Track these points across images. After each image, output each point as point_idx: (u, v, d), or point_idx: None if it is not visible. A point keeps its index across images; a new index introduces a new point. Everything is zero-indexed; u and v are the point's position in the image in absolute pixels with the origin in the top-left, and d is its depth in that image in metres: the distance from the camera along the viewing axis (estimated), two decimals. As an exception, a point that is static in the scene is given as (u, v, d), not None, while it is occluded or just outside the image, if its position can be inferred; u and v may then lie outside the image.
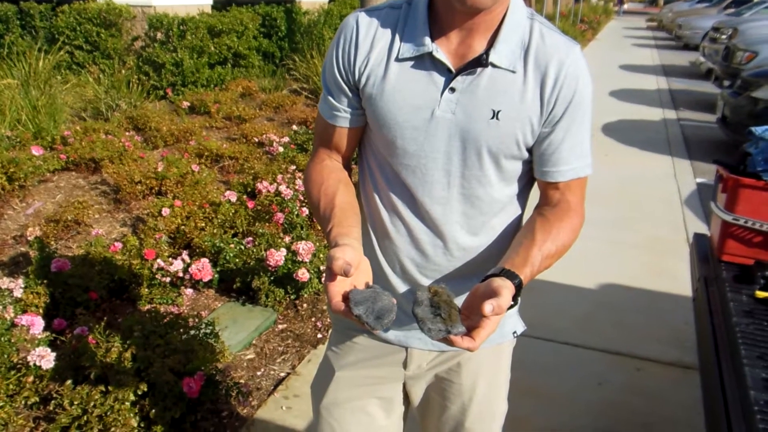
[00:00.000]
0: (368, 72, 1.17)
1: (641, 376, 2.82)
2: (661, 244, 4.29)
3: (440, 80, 1.13)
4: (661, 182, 5.66)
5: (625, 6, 40.28)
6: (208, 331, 2.59)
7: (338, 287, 1.00)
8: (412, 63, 1.14)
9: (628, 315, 3.33)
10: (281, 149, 5.22)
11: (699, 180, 5.72)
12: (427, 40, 1.12)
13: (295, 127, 6.07)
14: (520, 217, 1.29)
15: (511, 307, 0.99)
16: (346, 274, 0.97)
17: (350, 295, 0.98)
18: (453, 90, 1.12)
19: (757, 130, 2.13)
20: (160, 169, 4.33)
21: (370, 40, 1.16)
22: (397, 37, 1.15)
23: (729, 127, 6.44)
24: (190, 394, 2.27)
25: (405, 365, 1.36)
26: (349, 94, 1.21)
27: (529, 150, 1.18)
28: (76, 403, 2.16)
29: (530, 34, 1.13)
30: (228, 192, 3.91)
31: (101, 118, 6.14)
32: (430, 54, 1.12)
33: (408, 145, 1.17)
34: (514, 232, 1.28)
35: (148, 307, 3.07)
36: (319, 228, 1.25)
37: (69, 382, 2.26)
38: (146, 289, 3.08)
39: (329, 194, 1.20)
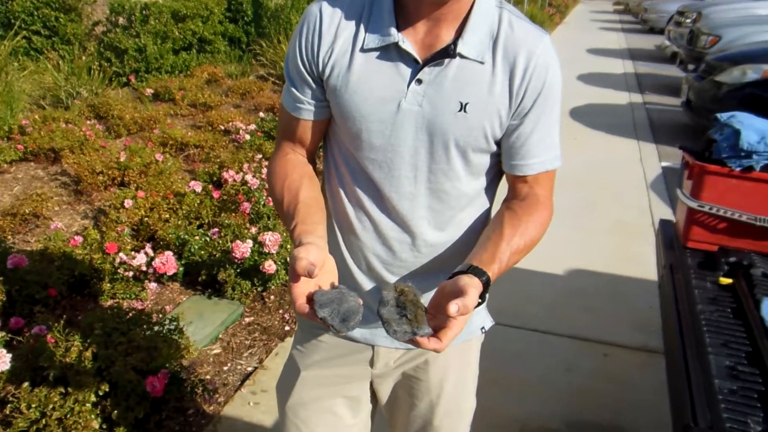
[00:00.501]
0: (332, 63, 1.12)
1: (609, 362, 2.84)
2: (627, 228, 4.33)
3: (407, 71, 1.09)
4: (627, 166, 5.71)
5: None
6: (172, 327, 2.53)
7: (302, 288, 0.96)
8: (377, 54, 1.10)
9: (595, 300, 3.35)
10: (248, 137, 5.13)
11: (664, 164, 5.78)
12: (393, 30, 1.08)
13: (262, 114, 5.97)
14: (488, 210, 1.27)
15: (479, 304, 0.97)
16: (310, 275, 0.93)
17: (315, 296, 0.95)
18: (420, 82, 1.09)
19: (722, 116, 2.13)
20: (122, 159, 4.22)
21: (335, 30, 1.12)
22: (362, 27, 1.11)
23: (693, 110, 6.51)
24: (154, 393, 2.21)
25: (372, 363, 1.34)
26: (313, 86, 1.16)
27: (498, 143, 1.16)
28: (34, 405, 2.08)
29: (499, 23, 1.10)
30: (193, 182, 3.83)
31: (61, 107, 5.96)
32: (396, 44, 1.08)
33: (374, 138, 1.13)
34: (482, 226, 1.25)
35: (110, 302, 3.00)
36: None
37: (26, 384, 2.18)
38: (108, 284, 3.00)
39: (293, 189, 1.16)
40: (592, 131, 6.88)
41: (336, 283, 1.01)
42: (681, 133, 6.93)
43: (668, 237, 2.27)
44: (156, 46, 7.54)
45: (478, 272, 1.00)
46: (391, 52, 1.10)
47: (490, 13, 1.10)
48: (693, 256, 2.07)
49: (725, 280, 1.90)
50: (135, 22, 7.56)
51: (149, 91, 6.59)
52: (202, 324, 2.90)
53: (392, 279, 1.24)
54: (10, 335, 2.50)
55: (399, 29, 1.09)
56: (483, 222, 1.26)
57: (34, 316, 2.66)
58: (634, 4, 23.71)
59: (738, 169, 1.99)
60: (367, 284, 1.26)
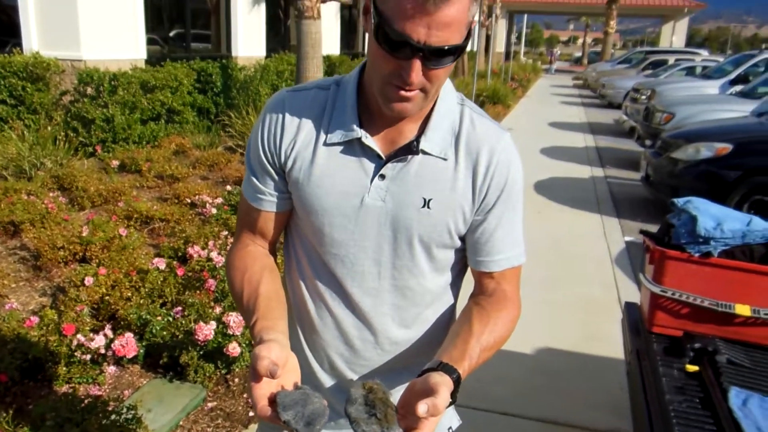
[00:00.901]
0: (295, 155, 1.12)
1: (579, 445, 2.80)
2: (593, 304, 4.36)
3: (370, 167, 1.10)
4: (591, 241, 5.81)
5: (555, 66, 42.64)
6: (129, 416, 2.43)
7: (264, 389, 0.92)
8: (340, 148, 1.11)
9: (564, 380, 3.33)
10: (214, 211, 5.10)
11: (627, 238, 5.90)
12: (356, 126, 1.09)
13: (229, 187, 5.97)
14: (453, 306, 1.26)
15: (450, 404, 0.94)
16: (272, 376, 0.90)
17: (277, 398, 0.91)
18: (383, 177, 1.09)
19: (679, 201, 2.20)
20: (85, 234, 4.14)
21: (297, 122, 1.13)
22: (326, 121, 1.12)
23: (652, 185, 6.73)
24: (108, 488, 2.10)
25: None
26: (275, 177, 1.16)
27: (462, 238, 1.16)
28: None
29: (461, 120, 1.12)
30: (157, 258, 3.76)
31: (24, 177, 5.88)
32: (359, 140, 1.09)
33: (336, 233, 1.13)
34: (447, 323, 1.24)
35: (65, 388, 2.87)
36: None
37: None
38: (64, 368, 2.88)
39: (253, 282, 1.13)
40: (555, 205, 7.02)
41: (299, 383, 0.98)
42: (642, 207, 7.12)
43: (634, 321, 2.29)
44: (124, 117, 7.56)
45: (448, 369, 0.98)
46: (354, 147, 1.10)
47: (452, 110, 1.12)
48: (658, 341, 2.08)
49: (692, 368, 1.91)
50: (103, 92, 7.58)
51: (115, 163, 6.56)
52: (162, 410, 2.78)
53: (355, 377, 1.22)
54: (-45, 427, 2.37)
55: (362, 125, 1.10)
56: (448, 318, 1.25)
57: (-17, 404, 2.53)
58: (592, 79, 24.73)
59: (697, 254, 2.04)
60: (330, 383, 1.24)
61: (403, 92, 0.99)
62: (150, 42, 9.39)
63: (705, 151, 6.13)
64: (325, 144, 1.11)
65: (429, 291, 1.18)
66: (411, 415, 0.92)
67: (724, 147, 6.04)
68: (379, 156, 1.10)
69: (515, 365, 3.43)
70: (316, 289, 1.19)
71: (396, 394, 1.00)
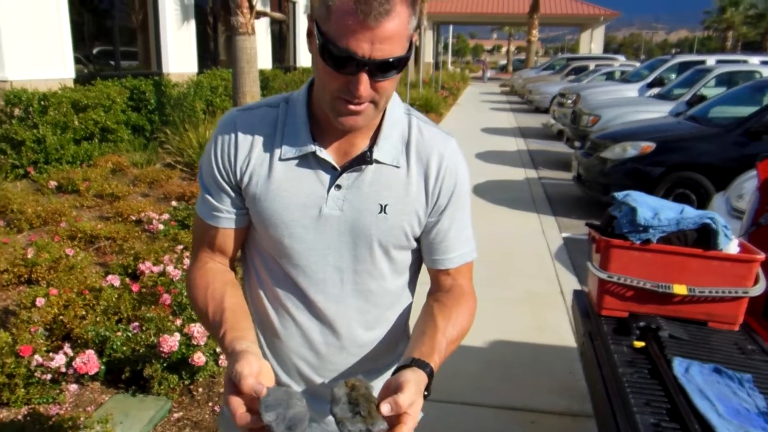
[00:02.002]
0: (251, 172, 1.15)
1: (537, 428, 2.96)
2: (537, 297, 4.58)
3: (326, 178, 1.14)
4: (530, 239, 6.07)
5: (488, 74, 43.60)
6: (100, 429, 2.43)
7: (240, 399, 0.92)
8: (296, 162, 1.14)
9: (516, 369, 3.50)
10: (162, 227, 5.06)
11: (564, 235, 6.19)
12: (309, 140, 1.13)
13: (174, 202, 5.92)
14: (410, 305, 1.32)
15: (425, 397, 0.99)
16: (258, 395, 0.90)
17: (261, 397, 0.90)
18: (339, 187, 1.14)
19: (619, 195, 2.39)
20: (29, 255, 4.05)
21: (250, 140, 1.15)
22: (278, 137, 1.15)
23: (584, 184, 7.08)
24: (87, 502, 2.10)
25: None
26: (231, 194, 1.18)
27: (417, 240, 1.22)
28: None
29: (409, 129, 1.19)
30: (110, 276, 3.73)
31: (-46, 202, 5.65)
32: (314, 153, 1.13)
33: (296, 244, 1.16)
34: (406, 321, 1.31)
35: (24, 409, 2.82)
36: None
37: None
38: (22, 390, 2.83)
39: (217, 297, 1.15)
40: (494, 206, 7.28)
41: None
42: (576, 204, 7.46)
43: (583, 306, 2.47)
44: (56, 137, 7.35)
45: (420, 365, 1.02)
46: (309, 161, 1.14)
47: (400, 120, 1.18)
48: (608, 322, 2.26)
49: (638, 344, 2.09)
50: (33, 113, 7.36)
51: (52, 184, 6.38)
52: (129, 423, 2.78)
53: (321, 381, 1.25)
54: None
55: (315, 139, 1.13)
56: (407, 317, 1.31)
57: (-57, 430, 2.47)
58: (518, 86, 25.55)
59: (638, 242, 2.23)
60: (297, 389, 1.25)
61: (352, 106, 1.03)
62: (75, 61, 9.16)
63: (631, 149, 6.51)
64: (281, 159, 1.14)
65: (390, 292, 1.24)
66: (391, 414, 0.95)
67: (648, 145, 6.44)
68: (334, 167, 1.13)
69: (470, 359, 3.58)
70: (278, 299, 1.22)
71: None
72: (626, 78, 13.95)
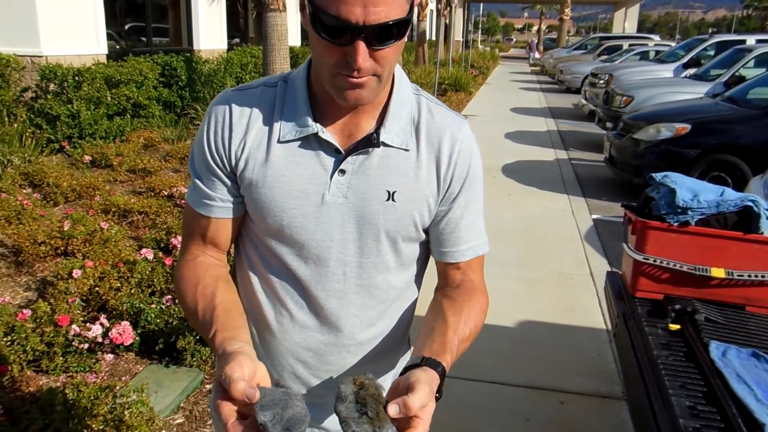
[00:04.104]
0: (246, 156, 1.05)
1: (565, 409, 2.96)
2: (567, 279, 4.55)
3: (329, 162, 1.04)
4: (560, 220, 6.01)
5: (536, 54, 38.09)
6: (136, 398, 2.49)
7: (232, 405, 0.83)
8: (296, 145, 1.05)
9: (546, 349, 3.49)
10: (193, 202, 5.10)
11: (594, 216, 6.12)
12: (310, 120, 1.04)
13: (204, 178, 5.96)
14: (416, 301, 1.24)
15: (436, 399, 0.90)
16: (250, 400, 0.81)
17: (256, 396, 0.82)
18: (343, 172, 1.04)
19: (657, 176, 2.35)
20: (66, 228, 4.13)
21: (246, 121, 1.06)
22: (277, 118, 1.06)
23: (616, 166, 6.98)
24: (124, 468, 2.16)
25: None
26: (225, 181, 1.09)
27: (426, 231, 1.13)
28: (-3, 489, 2.01)
29: (419, 109, 1.09)
30: (143, 249, 3.79)
31: (-8, 175, 5.78)
32: (316, 135, 1.04)
33: (297, 234, 1.07)
34: (409, 318, 1.23)
35: (63, 376, 2.90)
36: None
37: (-13, 466, 2.10)
38: (61, 358, 2.91)
39: (207, 294, 1.05)
40: (524, 187, 7.22)
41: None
42: (606, 186, 7.37)
43: (616, 288, 2.44)
44: (90, 112, 7.45)
45: (432, 364, 0.93)
46: (310, 143, 1.05)
47: (408, 100, 1.09)
48: (642, 305, 2.23)
49: (674, 327, 2.06)
50: (67, 88, 7.46)
51: (87, 158, 6.49)
52: (162, 393, 2.84)
53: (318, 383, 1.18)
54: (-36, 417, 2.39)
55: (316, 119, 1.04)
56: (410, 314, 1.22)
57: (-14, 395, 2.55)
58: (549, 65, 25.16)
59: (676, 224, 2.20)
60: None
61: (353, 79, 0.94)
62: (108, 37, 9.25)
63: (665, 131, 6.38)
64: (279, 142, 1.05)
65: (394, 287, 1.15)
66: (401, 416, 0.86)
67: (683, 127, 6.31)
68: (337, 150, 1.04)
69: (499, 338, 3.58)
70: (274, 292, 1.12)
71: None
72: (661, 58, 13.65)
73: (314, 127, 1.03)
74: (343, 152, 1.04)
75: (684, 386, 1.72)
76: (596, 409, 2.95)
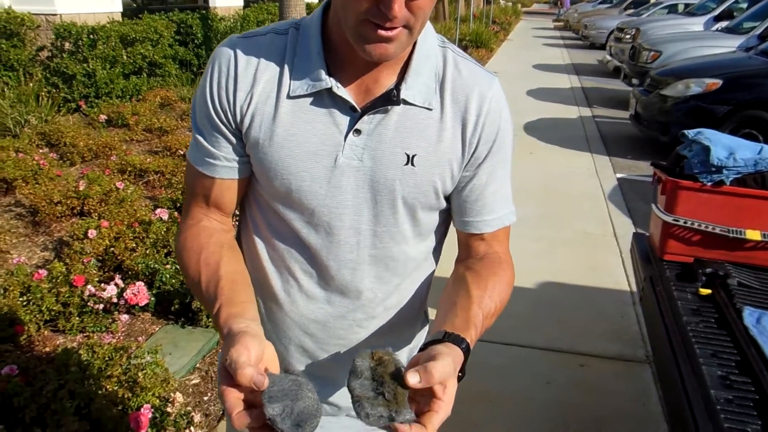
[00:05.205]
0: (252, 111, 0.96)
1: (586, 372, 2.89)
2: (589, 239, 4.44)
3: (343, 121, 0.95)
4: (583, 178, 5.87)
5: (567, 6, 36.31)
6: (150, 359, 2.47)
7: (238, 393, 0.77)
8: (307, 101, 0.95)
9: (567, 311, 3.42)
10: (209, 161, 5.05)
11: (619, 175, 5.97)
12: (324, 73, 0.94)
13: (220, 137, 5.89)
14: (432, 274, 1.15)
15: (459, 378, 0.83)
16: (258, 387, 0.74)
17: (265, 387, 0.75)
18: (359, 132, 0.95)
19: (690, 133, 2.22)
20: (81, 188, 4.10)
21: (253, 72, 0.96)
22: (287, 70, 0.96)
23: (642, 123, 6.77)
24: (139, 429, 2.15)
25: None
26: (231, 139, 0.99)
27: (447, 198, 1.04)
28: (12, 450, 2.00)
29: (444, 64, 0.99)
30: (159, 209, 3.75)
31: (9, 135, 5.75)
32: (329, 90, 0.94)
33: (306, 199, 0.98)
34: (425, 292, 1.15)
35: (80, 336, 2.90)
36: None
37: (1, 427, 2.09)
38: (77, 318, 2.90)
39: (211, 264, 0.97)
40: (547, 145, 7.05)
41: (277, 372, 0.83)
42: (631, 144, 7.17)
43: (643, 250, 2.35)
44: (105, 71, 7.38)
45: (456, 339, 0.85)
46: (323, 99, 0.95)
47: (433, 53, 0.98)
48: (671, 268, 2.14)
49: (705, 291, 1.97)
50: (82, 47, 7.37)
51: (102, 117, 6.44)
52: (178, 354, 2.83)
53: (327, 358, 1.11)
54: (-21, 378, 2.39)
55: (330, 73, 0.94)
56: (427, 287, 1.15)
57: (3, 355, 2.54)
58: (573, 20, 24.48)
59: (709, 183, 2.08)
60: (299, 366, 1.12)
61: (383, 31, 0.84)
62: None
63: (695, 87, 6.15)
64: (289, 97, 0.95)
65: (411, 258, 1.06)
66: (420, 396, 0.79)
67: (714, 82, 6.07)
68: (353, 108, 0.95)
69: (520, 299, 3.51)
70: (283, 260, 1.04)
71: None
72: (691, 11, 13.13)
73: (328, 81, 0.93)
74: (359, 110, 0.95)
75: (715, 355, 1.64)
76: (618, 372, 2.89)
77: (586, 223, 4.75)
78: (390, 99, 0.94)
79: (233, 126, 0.98)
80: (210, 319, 2.99)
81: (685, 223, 2.10)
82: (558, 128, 7.87)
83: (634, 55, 9.38)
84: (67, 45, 7.46)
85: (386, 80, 0.96)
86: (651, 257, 2.26)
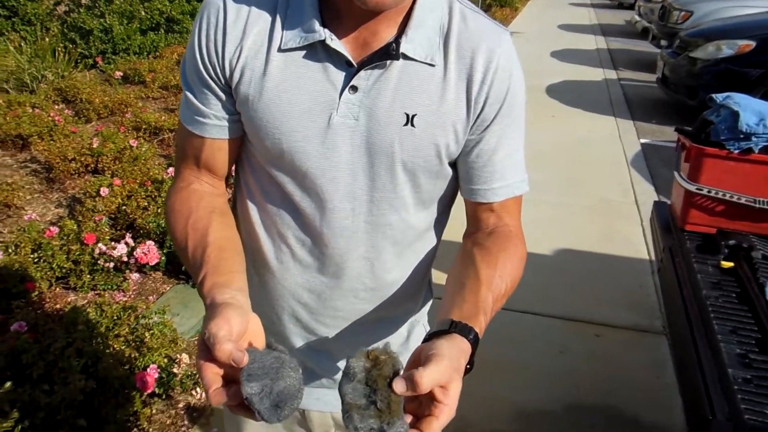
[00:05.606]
0: (242, 66, 0.90)
1: (601, 342, 2.84)
2: (610, 206, 4.34)
3: (338, 77, 0.88)
4: (606, 143, 5.72)
5: None
6: (158, 319, 2.46)
7: (216, 368, 0.73)
8: (300, 54, 0.89)
9: (583, 280, 3.35)
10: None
11: (643, 141, 5.81)
12: (317, 24, 0.87)
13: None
14: (437, 246, 1.09)
15: (467, 371, 0.77)
16: (238, 365, 0.70)
17: (245, 364, 0.71)
18: (355, 89, 0.88)
19: (718, 97, 2.11)
20: (95, 145, 4.07)
21: (243, 24, 0.90)
22: (278, 21, 0.90)
23: (669, 86, 6.55)
24: (145, 389, 2.15)
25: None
26: (220, 95, 0.93)
27: (453, 164, 0.97)
28: (17, 406, 2.00)
29: (450, 16, 0.91)
30: (172, 168, 3.71)
31: (26, 90, 5.73)
32: (323, 42, 0.87)
33: (298, 161, 0.92)
34: (428, 265, 1.09)
35: (91, 294, 2.90)
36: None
37: (8, 384, 2.10)
38: (88, 276, 2.90)
39: (199, 229, 0.92)
40: (569, 108, 6.88)
41: (262, 346, 0.78)
42: (657, 108, 6.97)
43: (664, 219, 2.26)
44: (122, 27, 7.30)
45: (463, 329, 0.79)
46: (317, 53, 0.89)
47: (438, 4, 0.91)
48: (691, 239, 2.06)
49: (727, 264, 1.89)
50: (99, 1, 7.30)
51: (118, 74, 6.39)
52: (187, 314, 2.82)
53: (323, 330, 1.05)
54: (-12, 334, 2.40)
55: (325, 24, 0.88)
56: (430, 260, 1.08)
57: (13, 311, 2.55)
58: (602, -21, 23.74)
59: (736, 151, 1.98)
60: (293, 337, 1.06)
61: None
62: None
63: (726, 49, 5.92)
64: (280, 50, 0.89)
65: (412, 227, 1.00)
66: (422, 397, 0.73)
67: (747, 44, 5.83)
68: (348, 63, 0.88)
69: (535, 267, 3.44)
70: (276, 228, 0.99)
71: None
72: (725, -30, 12.64)
73: (321, 33, 0.86)
74: (356, 65, 0.88)
75: (735, 331, 1.57)
76: (633, 342, 2.83)
77: (607, 189, 4.63)
78: (389, 53, 0.87)
79: (222, 81, 0.92)
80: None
81: (708, 192, 2.00)
82: (581, 91, 7.67)
83: (664, 16, 9.06)
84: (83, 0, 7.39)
85: (386, 33, 0.89)
86: (672, 227, 2.18)
